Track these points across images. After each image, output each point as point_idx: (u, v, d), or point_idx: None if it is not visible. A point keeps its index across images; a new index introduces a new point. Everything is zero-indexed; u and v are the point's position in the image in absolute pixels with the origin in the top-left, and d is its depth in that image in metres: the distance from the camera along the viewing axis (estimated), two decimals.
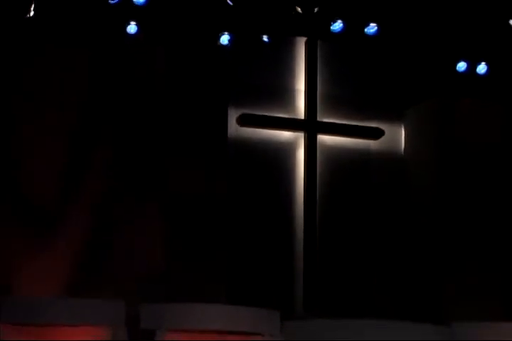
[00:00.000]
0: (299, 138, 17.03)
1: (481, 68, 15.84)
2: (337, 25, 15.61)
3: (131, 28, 14.95)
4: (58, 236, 15.19)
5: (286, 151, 17.26)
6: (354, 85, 17.42)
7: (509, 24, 15.25)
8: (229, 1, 14.80)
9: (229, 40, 15.57)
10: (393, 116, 17.62)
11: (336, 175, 17.31)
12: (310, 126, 17.03)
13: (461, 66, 15.93)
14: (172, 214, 15.81)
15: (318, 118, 16.96)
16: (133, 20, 15.09)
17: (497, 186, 17.18)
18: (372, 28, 15.49)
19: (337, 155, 17.39)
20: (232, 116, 16.54)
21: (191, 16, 15.28)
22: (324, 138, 17.04)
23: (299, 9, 15.56)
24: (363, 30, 15.90)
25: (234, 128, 16.59)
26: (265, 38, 15.76)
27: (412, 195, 17.86)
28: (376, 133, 17.25)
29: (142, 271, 15.65)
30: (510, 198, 17.07)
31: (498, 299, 17.31)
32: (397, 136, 17.68)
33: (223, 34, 15.53)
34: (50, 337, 13.61)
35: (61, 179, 15.33)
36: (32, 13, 14.58)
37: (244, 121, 16.67)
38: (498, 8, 15.38)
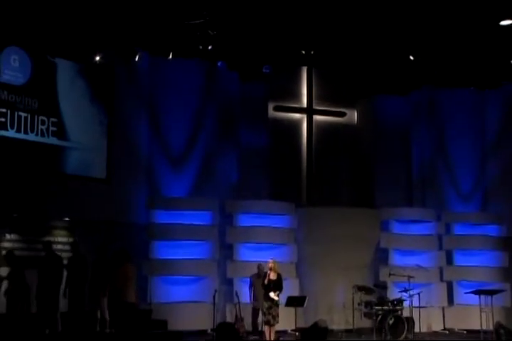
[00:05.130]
0: (303, 117, 19.54)
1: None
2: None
3: (220, 63, 17.42)
4: (187, 164, 17.26)
5: (297, 123, 19.50)
6: (331, 90, 19.65)
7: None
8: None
9: (269, 69, 17.42)
10: (350, 105, 20.01)
11: (322, 134, 19.66)
12: (309, 111, 19.53)
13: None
14: (242, 156, 18.03)
15: (314, 107, 19.53)
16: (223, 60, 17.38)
17: (400, 140, 19.71)
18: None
19: (323, 125, 19.71)
20: (271, 106, 19.17)
21: (252, 57, 17.15)
22: (317, 117, 19.61)
23: (303, 52, 17.47)
24: (339, 61, 17.83)
25: (271, 113, 19.12)
26: (288, 67, 18.36)
27: (358, 142, 19.94)
28: (342, 114, 19.82)
29: (224, 185, 17.45)
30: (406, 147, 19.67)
31: (406, 192, 19.37)
32: (353, 115, 20.10)
33: (266, 66, 17.36)
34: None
35: (187, 136, 17.37)
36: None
37: (276, 108, 19.24)
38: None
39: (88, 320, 13.56)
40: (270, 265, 13.83)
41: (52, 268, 13.40)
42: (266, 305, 13.69)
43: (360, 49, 16.78)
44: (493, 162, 18.99)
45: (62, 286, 13.45)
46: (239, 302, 15.28)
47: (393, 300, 15.64)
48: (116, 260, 13.51)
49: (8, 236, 14.55)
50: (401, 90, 18.92)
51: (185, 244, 16.40)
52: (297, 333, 14.94)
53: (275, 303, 13.74)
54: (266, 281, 13.68)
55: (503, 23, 15.07)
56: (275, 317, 13.69)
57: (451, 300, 17.76)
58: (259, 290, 14.75)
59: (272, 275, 13.76)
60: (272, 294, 13.68)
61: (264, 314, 13.67)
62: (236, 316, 15.18)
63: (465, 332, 17.04)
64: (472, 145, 19.08)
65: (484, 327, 13.80)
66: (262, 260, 15.04)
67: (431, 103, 19.17)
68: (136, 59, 16.00)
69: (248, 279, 15.45)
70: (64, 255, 14.33)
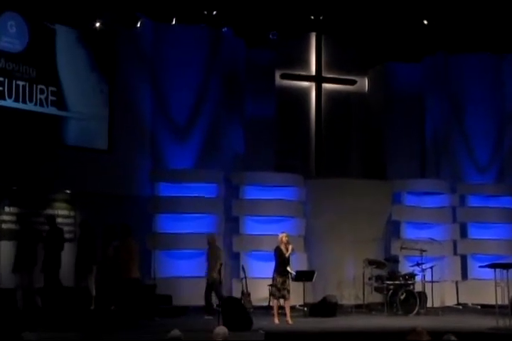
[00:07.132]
0: (312, 85, 19.12)
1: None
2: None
3: (225, 29, 17.05)
4: (191, 134, 16.87)
5: (305, 92, 19.10)
6: (341, 57, 19.18)
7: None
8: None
9: (276, 35, 17.39)
10: (361, 73, 19.62)
11: (332, 103, 19.27)
12: (318, 79, 19.08)
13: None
14: (248, 126, 17.73)
15: (323, 74, 19.09)
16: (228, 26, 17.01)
17: (413, 109, 19.15)
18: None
19: (332, 93, 19.34)
20: (278, 74, 18.75)
21: (259, 23, 16.95)
22: (326, 85, 19.18)
23: (312, 17, 17.37)
24: (349, 27, 17.55)
25: (278, 81, 18.72)
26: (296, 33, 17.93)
27: (369, 111, 19.61)
28: (353, 82, 19.47)
29: (229, 156, 17.16)
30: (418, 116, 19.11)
31: (419, 163, 18.95)
32: (364, 83, 19.70)
33: (273, 32, 17.31)
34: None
35: (191, 105, 16.94)
36: None
37: (284, 76, 18.85)
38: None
39: (68, 296, 13.27)
40: (285, 239, 13.54)
41: (26, 241, 13.12)
42: (280, 279, 13.44)
43: (371, 14, 16.43)
44: None
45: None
46: (245, 277, 15.10)
47: (405, 275, 15.46)
48: (108, 235, 13.37)
49: (7, 209, 14.25)
50: (414, 56, 18.46)
51: (190, 217, 16.11)
52: (306, 308, 14.81)
53: (290, 277, 13.57)
54: (286, 255, 13.42)
55: None
56: (289, 291, 13.45)
57: (465, 274, 17.55)
58: (210, 263, 14.52)
59: (286, 249, 13.50)
60: (288, 268, 13.49)
61: (278, 289, 13.35)
62: (242, 291, 15.05)
63: (479, 307, 16.78)
64: (489, 114, 18.52)
65: (499, 302, 13.36)
66: (271, 233, 14.69)
67: (445, 69, 18.59)
68: (138, 25, 15.59)
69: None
70: (66, 229, 14.19)
